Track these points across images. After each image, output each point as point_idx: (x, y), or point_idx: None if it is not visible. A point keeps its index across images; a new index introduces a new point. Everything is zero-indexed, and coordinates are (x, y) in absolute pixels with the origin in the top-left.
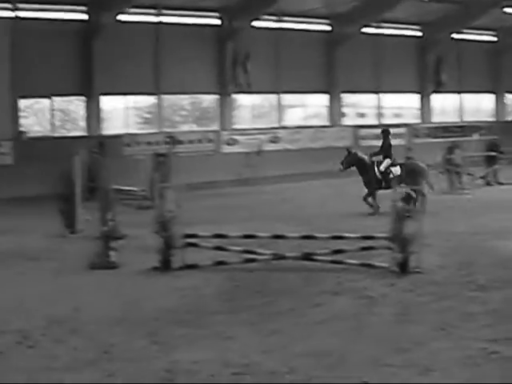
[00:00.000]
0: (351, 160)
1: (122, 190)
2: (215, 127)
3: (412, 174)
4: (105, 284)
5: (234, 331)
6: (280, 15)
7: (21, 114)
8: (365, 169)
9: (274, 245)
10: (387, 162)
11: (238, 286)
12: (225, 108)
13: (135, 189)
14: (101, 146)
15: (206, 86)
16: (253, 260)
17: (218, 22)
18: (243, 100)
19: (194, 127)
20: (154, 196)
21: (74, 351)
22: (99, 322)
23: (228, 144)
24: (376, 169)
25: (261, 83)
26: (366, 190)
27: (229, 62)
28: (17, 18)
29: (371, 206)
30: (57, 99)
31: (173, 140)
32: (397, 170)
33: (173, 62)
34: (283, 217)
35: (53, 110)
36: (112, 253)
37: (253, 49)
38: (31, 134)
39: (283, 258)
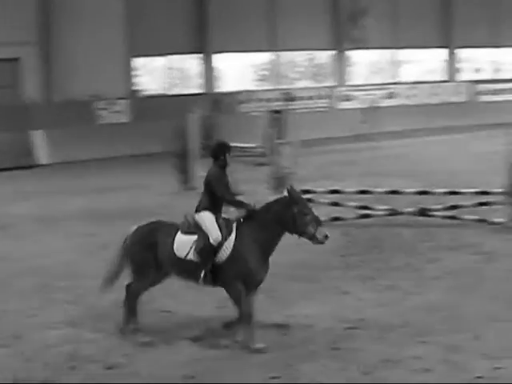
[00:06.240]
0: None
1: (238, 146)
2: (331, 83)
3: None
4: None
5: (349, 286)
6: None
7: (136, 72)
8: None
9: (390, 200)
10: None
11: (353, 241)
12: (340, 64)
13: (251, 145)
14: (216, 104)
15: (322, 43)
16: (368, 216)
17: None
18: (359, 56)
19: (310, 83)
20: (270, 152)
21: None
22: None
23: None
24: None
25: (377, 38)
26: None
27: (344, 18)
28: None
29: None
30: (172, 57)
31: (289, 96)
32: None
33: (288, 18)
34: (399, 172)
35: (168, 68)
36: None
37: (369, 3)
38: (147, 92)
39: (399, 213)
